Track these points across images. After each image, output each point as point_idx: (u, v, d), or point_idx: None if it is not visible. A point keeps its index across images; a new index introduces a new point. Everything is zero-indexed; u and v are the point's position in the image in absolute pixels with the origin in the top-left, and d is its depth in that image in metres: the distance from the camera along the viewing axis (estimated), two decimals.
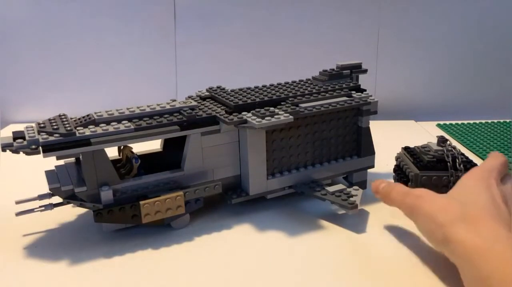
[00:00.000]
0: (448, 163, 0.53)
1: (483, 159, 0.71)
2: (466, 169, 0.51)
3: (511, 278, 0.32)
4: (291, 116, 0.50)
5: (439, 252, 0.46)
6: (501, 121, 0.92)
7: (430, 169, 0.53)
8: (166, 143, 0.56)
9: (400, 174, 0.57)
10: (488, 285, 0.33)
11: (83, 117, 0.49)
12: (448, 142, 0.55)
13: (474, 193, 0.42)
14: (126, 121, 0.49)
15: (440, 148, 0.55)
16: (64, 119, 0.48)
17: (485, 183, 0.43)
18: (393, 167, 0.59)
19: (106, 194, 0.47)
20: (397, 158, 0.59)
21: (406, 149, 0.58)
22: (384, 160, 0.61)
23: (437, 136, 0.57)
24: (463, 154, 0.55)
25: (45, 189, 0.48)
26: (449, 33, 0.96)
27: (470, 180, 0.45)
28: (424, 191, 0.43)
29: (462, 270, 0.37)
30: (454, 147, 0.55)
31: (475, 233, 0.36)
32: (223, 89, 0.59)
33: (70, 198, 0.47)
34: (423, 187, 0.46)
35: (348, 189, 0.53)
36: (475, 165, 0.53)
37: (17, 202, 0.49)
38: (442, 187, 0.52)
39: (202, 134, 0.50)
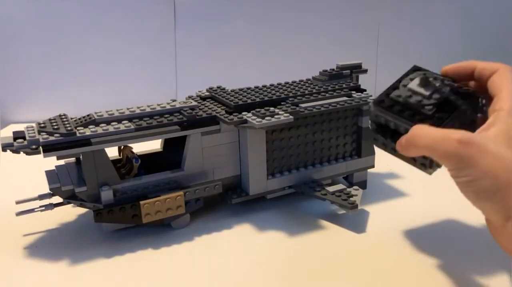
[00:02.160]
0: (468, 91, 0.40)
1: None
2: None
3: None
4: (291, 116, 0.50)
5: (439, 252, 0.46)
6: None
7: (440, 123, 0.39)
8: (166, 143, 0.56)
9: (393, 135, 0.41)
10: None
11: (84, 117, 0.49)
12: (434, 77, 0.42)
13: None
14: (127, 121, 0.49)
15: (429, 92, 0.40)
16: (65, 119, 0.48)
17: None
18: (372, 127, 0.44)
19: (106, 194, 0.47)
20: (374, 117, 0.42)
21: (380, 103, 0.42)
22: (384, 160, 0.62)
23: (412, 70, 0.44)
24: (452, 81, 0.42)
25: (46, 189, 0.48)
26: (449, 33, 0.96)
27: None
28: (469, 135, 0.35)
29: None
30: (445, 78, 0.42)
31: None
32: (223, 89, 0.59)
33: (70, 198, 0.47)
34: None
35: (348, 189, 0.53)
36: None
37: (18, 202, 0.49)
38: (470, 117, 0.40)
39: (202, 134, 0.50)
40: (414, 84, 0.41)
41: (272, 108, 0.51)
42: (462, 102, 0.40)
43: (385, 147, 0.43)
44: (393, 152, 0.42)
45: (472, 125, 0.39)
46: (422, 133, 0.37)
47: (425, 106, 0.40)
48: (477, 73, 0.41)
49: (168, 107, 0.51)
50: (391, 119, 0.41)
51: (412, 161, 0.42)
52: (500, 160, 0.34)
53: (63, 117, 0.49)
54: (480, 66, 0.41)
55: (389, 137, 0.42)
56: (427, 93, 0.40)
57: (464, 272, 0.43)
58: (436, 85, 0.41)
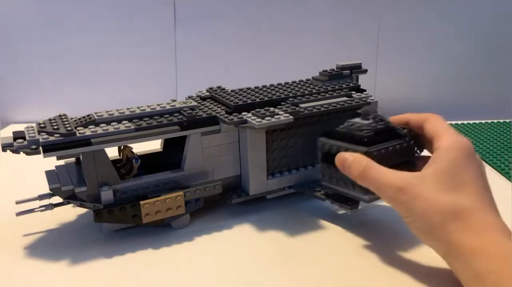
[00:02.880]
0: (400, 129, 0.47)
1: (483, 160, 0.71)
2: (412, 135, 0.47)
3: (507, 275, 0.33)
4: (291, 116, 0.50)
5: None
6: (501, 121, 0.92)
7: (375, 143, 0.45)
8: (166, 143, 0.56)
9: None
10: (484, 284, 0.34)
11: (84, 117, 0.49)
12: (373, 114, 0.48)
13: (463, 172, 0.39)
14: (127, 121, 0.49)
15: (368, 121, 0.47)
16: (65, 119, 0.48)
17: (472, 158, 0.40)
18: (319, 158, 0.49)
19: (107, 194, 0.47)
20: (321, 147, 0.49)
21: (326, 134, 0.49)
22: None
23: (359, 111, 0.49)
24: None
25: (46, 189, 0.48)
26: (449, 33, 0.96)
27: (453, 153, 0.40)
28: (403, 181, 0.39)
29: (458, 269, 0.37)
30: (382, 117, 0.48)
31: (469, 231, 0.36)
32: (223, 89, 0.59)
33: (70, 198, 0.47)
34: (381, 163, 0.43)
35: None
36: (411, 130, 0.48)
37: (18, 202, 0.49)
38: (397, 156, 0.46)
39: (202, 134, 0.50)
40: (356, 119, 0.49)
41: (272, 108, 0.51)
42: (395, 136, 0.47)
43: (330, 180, 0.49)
44: (336, 183, 0.48)
45: (407, 156, 0.47)
46: (372, 174, 0.42)
47: (363, 131, 0.46)
48: (412, 125, 0.47)
49: (168, 107, 0.51)
50: (335, 144, 0.47)
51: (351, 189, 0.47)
52: (431, 204, 0.38)
53: (63, 117, 0.49)
54: (413, 118, 0.47)
55: (333, 164, 0.47)
56: (365, 123, 0.47)
57: None
58: (375, 120, 0.47)
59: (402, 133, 0.47)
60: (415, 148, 0.49)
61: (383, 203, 0.56)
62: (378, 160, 0.44)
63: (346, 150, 0.46)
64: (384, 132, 0.47)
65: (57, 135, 0.44)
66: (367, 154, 0.44)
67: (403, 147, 0.47)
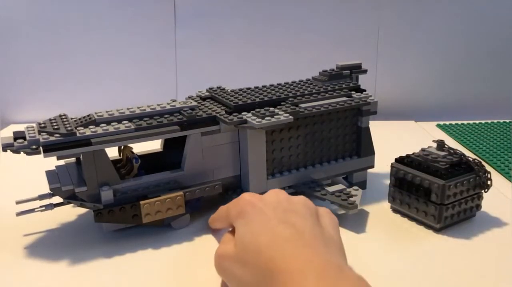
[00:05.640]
0: (474, 163, 0.49)
1: (483, 160, 0.71)
2: (482, 167, 0.50)
3: None
4: (291, 116, 0.50)
5: (439, 252, 0.46)
6: (501, 121, 0.92)
7: (451, 177, 0.48)
8: (166, 143, 0.56)
9: (409, 187, 0.51)
10: None
11: (84, 117, 0.49)
12: (446, 146, 0.52)
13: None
14: (127, 121, 0.49)
15: (443, 153, 0.51)
16: (65, 119, 0.48)
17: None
18: (391, 182, 0.53)
19: (107, 194, 0.47)
20: (395, 172, 0.53)
21: (401, 161, 0.52)
22: (384, 160, 0.62)
23: (434, 141, 0.52)
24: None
25: (46, 189, 0.48)
26: (449, 33, 0.96)
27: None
28: (216, 253, 0.38)
29: None
30: (456, 149, 0.51)
31: None
32: (223, 89, 0.59)
33: (70, 198, 0.47)
34: (453, 196, 0.47)
35: (348, 189, 0.53)
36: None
37: (18, 202, 0.49)
38: (470, 189, 0.49)
39: (202, 134, 0.50)
40: (431, 148, 0.52)
41: (272, 108, 0.51)
42: (468, 169, 0.49)
43: (400, 204, 0.52)
44: (408, 209, 0.51)
45: (479, 189, 0.50)
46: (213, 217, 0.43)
47: (440, 163, 0.49)
48: None
49: (168, 107, 0.51)
50: (411, 172, 0.50)
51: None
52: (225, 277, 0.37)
53: (63, 117, 0.49)
54: None
55: (406, 190, 0.51)
56: (441, 154, 0.50)
57: (462, 272, 0.43)
58: (449, 152, 0.51)
59: (475, 166, 0.49)
60: (488, 182, 0.50)
61: (384, 207, 0.56)
62: (453, 193, 0.48)
63: (422, 180, 0.49)
64: (458, 165, 0.50)
65: (57, 135, 0.44)
66: (444, 187, 0.47)
67: (476, 181, 0.50)
